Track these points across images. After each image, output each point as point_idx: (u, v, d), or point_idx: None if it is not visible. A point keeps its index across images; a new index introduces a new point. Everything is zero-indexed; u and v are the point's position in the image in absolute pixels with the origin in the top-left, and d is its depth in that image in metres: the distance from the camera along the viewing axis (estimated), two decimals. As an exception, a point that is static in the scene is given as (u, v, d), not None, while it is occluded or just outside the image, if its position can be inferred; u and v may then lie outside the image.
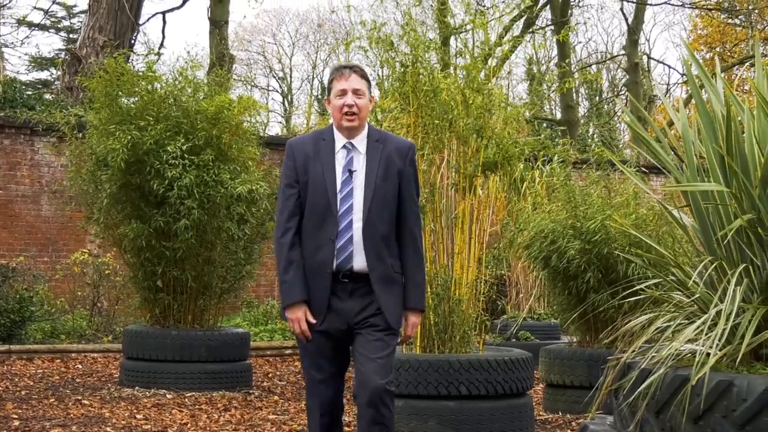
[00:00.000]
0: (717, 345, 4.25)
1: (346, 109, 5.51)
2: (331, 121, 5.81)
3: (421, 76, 9.24)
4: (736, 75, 35.52)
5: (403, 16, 10.01)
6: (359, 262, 5.43)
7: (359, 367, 5.39)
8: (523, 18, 27.14)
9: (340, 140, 5.59)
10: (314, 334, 5.47)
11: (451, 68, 10.07)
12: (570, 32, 31.09)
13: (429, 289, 8.76)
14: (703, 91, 5.27)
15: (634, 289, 5.63)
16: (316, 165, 5.52)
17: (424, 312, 5.62)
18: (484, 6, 10.32)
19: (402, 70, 9.39)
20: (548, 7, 33.02)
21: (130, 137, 10.82)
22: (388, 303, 5.48)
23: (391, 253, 5.55)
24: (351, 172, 5.51)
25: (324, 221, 5.44)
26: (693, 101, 5.27)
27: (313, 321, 5.40)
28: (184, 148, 10.99)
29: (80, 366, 14.20)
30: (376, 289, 5.44)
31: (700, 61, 5.32)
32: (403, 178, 5.59)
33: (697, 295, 4.80)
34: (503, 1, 10.79)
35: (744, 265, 4.59)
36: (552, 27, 32.02)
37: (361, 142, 5.59)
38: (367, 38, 9.63)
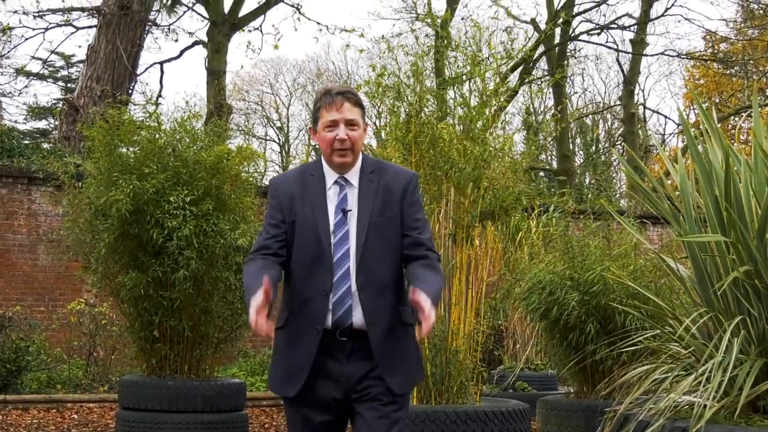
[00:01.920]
0: (714, 397, 4.25)
1: (337, 145, 4.71)
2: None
3: (424, 126, 9.27)
4: (732, 125, 35.66)
5: (410, 67, 10.03)
6: (358, 317, 4.59)
7: None
8: (520, 68, 27.28)
9: (330, 176, 4.80)
10: (300, 407, 4.68)
11: (449, 118, 10.11)
12: (565, 75, 31.26)
13: (425, 341, 8.74)
14: (698, 141, 5.29)
15: (631, 340, 5.62)
16: (304, 206, 4.74)
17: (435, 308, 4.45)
18: (481, 56, 10.32)
19: (406, 119, 9.42)
20: (545, 58, 33.21)
21: (132, 187, 10.83)
22: (391, 363, 4.64)
23: (398, 299, 4.70)
24: (345, 212, 4.70)
25: (315, 270, 4.65)
26: (688, 151, 5.28)
27: (260, 303, 4.51)
28: (187, 199, 10.98)
29: (76, 416, 14.12)
30: (375, 347, 4.58)
31: (697, 111, 5.36)
32: (405, 211, 4.75)
33: (693, 347, 4.80)
34: (500, 52, 10.83)
35: (741, 316, 4.60)
36: (548, 77, 32.18)
37: (354, 175, 4.80)
38: (374, 84, 9.67)
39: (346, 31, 28.27)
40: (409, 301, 4.48)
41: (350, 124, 4.72)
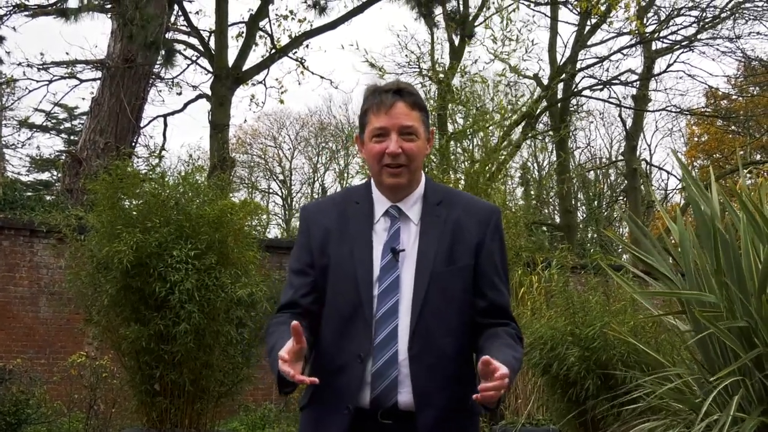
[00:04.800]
0: (714, 454, 4.25)
1: (388, 160, 3.52)
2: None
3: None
4: (734, 181, 35.74)
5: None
6: (406, 395, 3.42)
7: None
8: (523, 123, 27.40)
9: (381, 203, 3.62)
10: None
11: (452, 172, 10.15)
12: (568, 131, 31.35)
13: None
14: (698, 198, 5.32)
15: (632, 396, 5.62)
16: (341, 244, 3.55)
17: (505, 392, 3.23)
18: (484, 109, 10.38)
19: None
20: (547, 113, 33.31)
21: (135, 240, 10.84)
22: None
23: (461, 378, 3.51)
24: (395, 252, 3.50)
25: (349, 329, 3.47)
26: (690, 207, 5.33)
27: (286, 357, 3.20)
28: (191, 254, 10.98)
29: (75, 470, 14.07)
30: None
31: (697, 169, 5.40)
32: (482, 262, 3.54)
33: (693, 403, 4.80)
34: (506, 104, 10.90)
35: (740, 377, 4.60)
36: (551, 132, 32.31)
37: (413, 205, 3.60)
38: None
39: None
40: (477, 370, 3.25)
41: (406, 132, 3.53)
